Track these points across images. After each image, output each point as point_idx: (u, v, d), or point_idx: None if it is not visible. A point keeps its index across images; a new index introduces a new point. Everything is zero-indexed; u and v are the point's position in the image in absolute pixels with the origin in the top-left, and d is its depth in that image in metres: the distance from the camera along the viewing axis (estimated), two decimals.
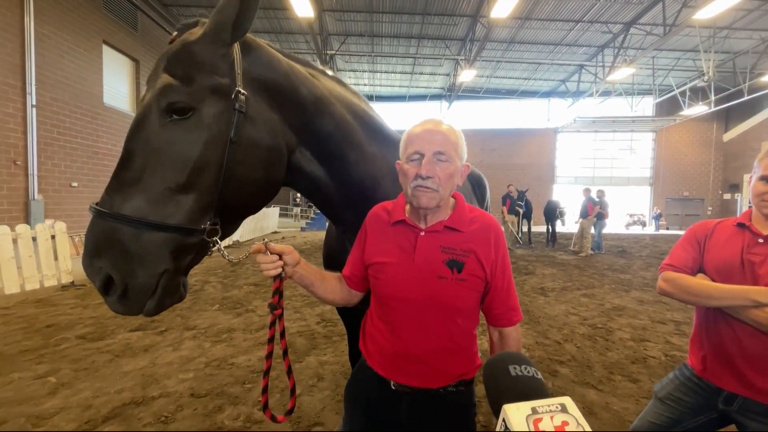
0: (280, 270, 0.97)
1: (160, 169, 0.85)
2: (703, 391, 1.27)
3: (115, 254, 0.82)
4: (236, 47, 0.95)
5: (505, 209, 10.69)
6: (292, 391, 1.07)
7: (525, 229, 12.19)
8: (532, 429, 0.57)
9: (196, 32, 0.94)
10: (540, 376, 0.71)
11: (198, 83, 0.89)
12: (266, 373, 1.01)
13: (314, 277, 1.05)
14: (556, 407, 0.60)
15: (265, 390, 1.01)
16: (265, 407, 1.01)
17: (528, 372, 0.70)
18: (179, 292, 0.91)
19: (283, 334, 1.03)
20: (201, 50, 0.90)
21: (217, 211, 0.92)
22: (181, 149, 0.87)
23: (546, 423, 0.58)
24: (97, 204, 0.85)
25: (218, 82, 0.91)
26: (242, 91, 0.92)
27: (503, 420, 0.61)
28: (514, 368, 0.70)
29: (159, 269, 0.85)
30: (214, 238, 0.92)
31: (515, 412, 0.59)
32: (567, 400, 0.61)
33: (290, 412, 1.06)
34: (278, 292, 1.00)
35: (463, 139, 1.00)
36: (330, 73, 1.31)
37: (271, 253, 0.96)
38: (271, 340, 1.01)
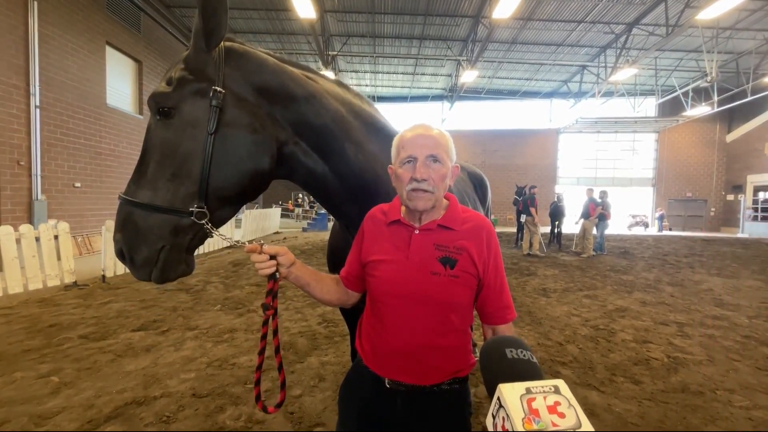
0: (273, 269, 1.01)
1: (158, 162, 1.02)
2: None
3: (127, 231, 1.01)
4: (219, 54, 1.06)
5: (534, 212, 9.55)
6: (282, 384, 1.12)
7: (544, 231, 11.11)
8: (526, 407, 0.58)
9: None
10: (535, 360, 0.73)
11: (181, 87, 1.02)
12: (258, 367, 1.08)
13: (310, 277, 1.09)
14: (550, 389, 0.61)
15: (257, 383, 1.08)
16: (257, 399, 1.08)
17: (524, 355, 0.72)
18: (181, 266, 1.05)
19: (276, 332, 1.08)
20: (187, 59, 1.05)
21: (204, 196, 1.02)
22: (170, 144, 1.02)
23: (539, 402, 0.59)
24: (123, 192, 1.05)
25: (199, 85, 1.03)
26: (218, 89, 1.03)
27: (498, 398, 0.63)
28: (511, 351, 0.72)
29: (158, 245, 1.00)
30: (204, 221, 1.02)
31: (510, 391, 0.61)
32: (560, 383, 0.62)
33: (280, 405, 1.11)
34: (272, 293, 1.03)
35: (452, 142, 1.04)
36: (332, 76, 1.36)
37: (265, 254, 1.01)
38: (263, 337, 1.07)
